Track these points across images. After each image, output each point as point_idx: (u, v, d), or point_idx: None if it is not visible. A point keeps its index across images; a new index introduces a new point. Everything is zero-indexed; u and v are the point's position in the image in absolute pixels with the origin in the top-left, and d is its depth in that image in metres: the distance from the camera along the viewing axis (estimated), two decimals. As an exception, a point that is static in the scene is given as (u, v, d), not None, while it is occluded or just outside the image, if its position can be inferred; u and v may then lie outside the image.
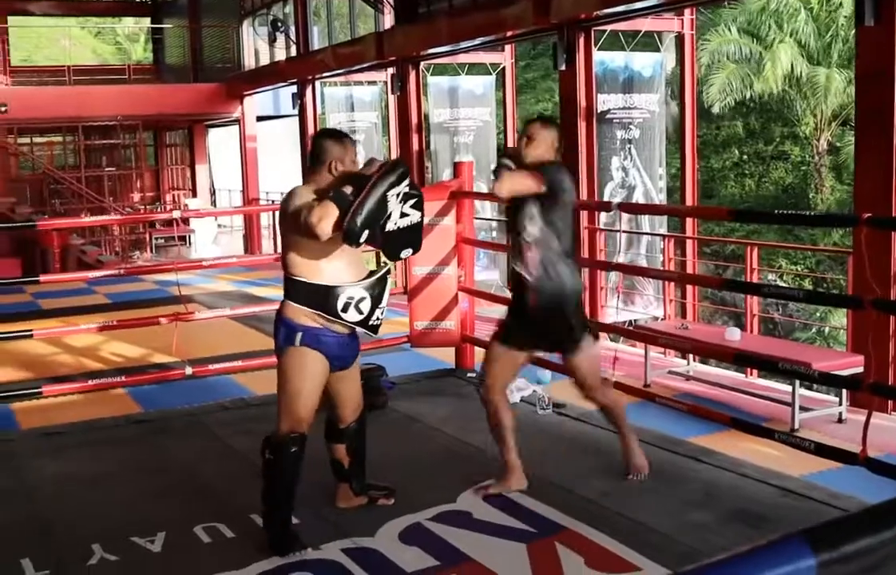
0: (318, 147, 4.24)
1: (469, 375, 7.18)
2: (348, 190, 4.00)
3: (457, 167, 7.06)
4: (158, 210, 24.46)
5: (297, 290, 4.18)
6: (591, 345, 4.75)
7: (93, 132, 22.32)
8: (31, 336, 7.18)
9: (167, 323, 7.16)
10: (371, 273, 4.27)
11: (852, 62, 21.11)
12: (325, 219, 3.92)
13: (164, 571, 4.06)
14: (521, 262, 4.62)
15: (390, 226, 4.19)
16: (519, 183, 4.55)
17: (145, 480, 5.28)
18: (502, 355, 4.82)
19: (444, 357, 7.60)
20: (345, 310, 4.16)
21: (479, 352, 7.27)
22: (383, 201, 4.02)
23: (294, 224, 4.07)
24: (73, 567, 4.15)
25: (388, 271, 4.37)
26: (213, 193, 25.84)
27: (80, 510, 4.83)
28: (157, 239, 22.01)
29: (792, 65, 21.41)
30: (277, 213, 4.34)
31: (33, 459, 5.75)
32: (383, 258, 4.52)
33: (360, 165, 4.28)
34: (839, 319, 16.38)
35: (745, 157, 24.87)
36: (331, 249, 4.10)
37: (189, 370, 6.74)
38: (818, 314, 18.27)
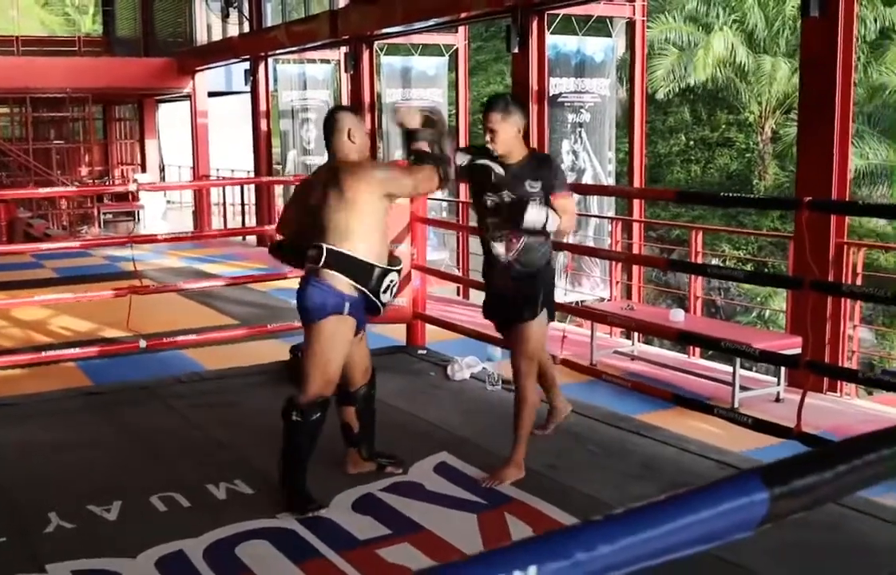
0: (335, 120, 4.47)
1: (419, 351, 7.29)
2: (426, 147, 4.41)
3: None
4: (107, 184, 24.26)
5: (340, 261, 4.27)
6: (544, 321, 4.80)
7: (41, 104, 22.01)
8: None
9: (123, 296, 7.17)
10: (392, 259, 4.47)
11: (797, 53, 21.63)
12: (431, 179, 4.40)
13: (120, 538, 4.11)
14: (506, 244, 4.66)
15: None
16: (569, 216, 4.66)
17: (100, 450, 5.32)
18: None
19: (395, 334, 7.70)
20: (385, 291, 4.38)
21: (430, 329, 7.41)
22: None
23: (392, 191, 4.37)
24: (30, 535, 4.20)
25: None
26: (162, 169, 25.62)
27: (36, 479, 4.87)
28: (105, 214, 21.79)
29: (733, 52, 21.72)
30: (345, 178, 4.32)
31: (-14, 429, 5.76)
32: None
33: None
34: (779, 303, 16.76)
35: (691, 143, 25.22)
36: (379, 228, 4.33)
37: (143, 343, 6.77)
38: (759, 298, 18.65)
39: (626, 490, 4.57)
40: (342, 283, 4.28)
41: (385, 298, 4.40)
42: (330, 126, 4.46)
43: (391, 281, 4.40)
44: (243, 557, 3.90)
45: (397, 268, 4.46)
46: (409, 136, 4.49)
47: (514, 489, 4.53)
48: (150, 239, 11.62)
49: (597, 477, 4.75)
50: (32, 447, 5.39)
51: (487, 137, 4.57)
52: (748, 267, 19.61)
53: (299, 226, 4.52)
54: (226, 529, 4.13)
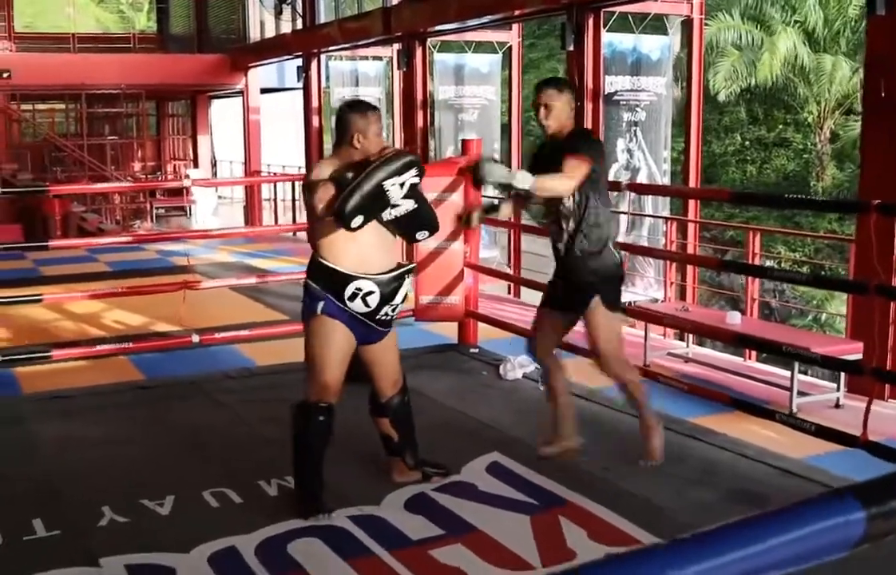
0: (341, 121, 4.28)
1: (471, 350, 7.23)
2: (350, 174, 4.06)
3: (465, 144, 7.10)
4: (160, 179, 24.52)
5: (314, 268, 4.26)
6: (609, 314, 4.71)
7: (95, 100, 22.27)
8: (40, 300, 7.20)
9: (176, 290, 7.20)
10: (396, 267, 4.34)
11: (859, 52, 21.28)
12: (323, 200, 4.06)
13: (174, 533, 4.11)
14: (563, 233, 4.67)
15: (389, 214, 4.22)
16: (569, 178, 4.53)
17: (152, 444, 5.34)
18: (544, 318, 4.97)
19: (447, 332, 7.64)
20: (351, 299, 4.21)
21: (482, 328, 7.35)
22: (380, 189, 4.04)
23: (308, 195, 4.18)
24: (83, 528, 4.21)
25: (410, 271, 4.45)
26: (214, 165, 25.81)
27: (89, 472, 4.89)
28: (157, 208, 22.00)
29: (795, 52, 21.41)
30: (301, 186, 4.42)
31: (40, 421, 5.80)
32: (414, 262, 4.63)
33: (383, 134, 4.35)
34: (836, 306, 16.48)
35: (746, 143, 24.89)
36: (351, 235, 4.14)
37: (196, 338, 6.79)
38: (815, 301, 18.35)
39: (683, 495, 4.48)
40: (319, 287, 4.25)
41: (354, 305, 4.21)
42: (339, 125, 4.29)
43: (357, 289, 4.19)
44: (295, 555, 3.87)
45: (377, 277, 4.24)
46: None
47: (568, 491, 4.45)
48: (204, 235, 11.69)
49: (652, 480, 4.65)
50: (85, 441, 5.41)
51: (542, 113, 4.65)
52: (804, 269, 19.32)
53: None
54: (278, 526, 4.11)
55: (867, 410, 4.38)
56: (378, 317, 4.31)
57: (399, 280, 4.34)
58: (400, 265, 4.37)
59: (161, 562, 3.84)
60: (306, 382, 4.32)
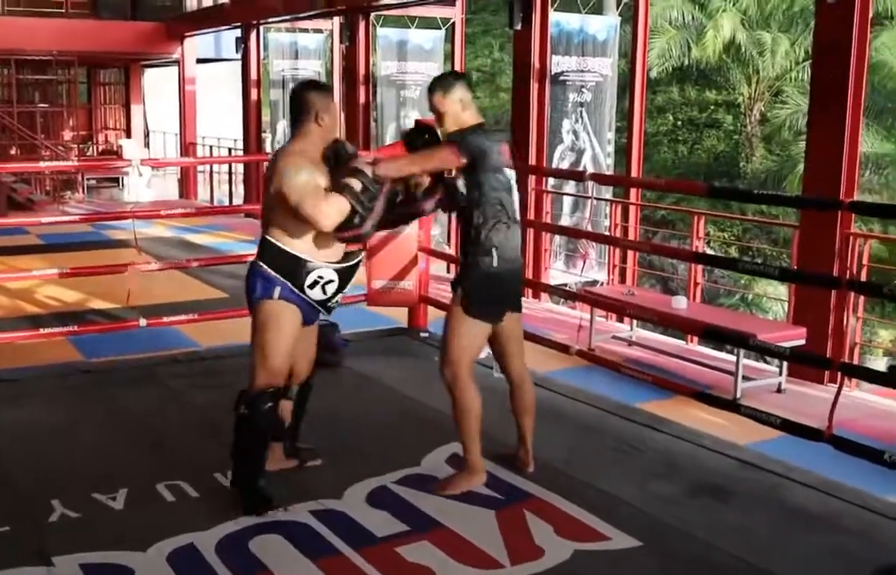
0: (302, 100, 4.19)
1: (422, 334, 7.17)
2: (357, 186, 4.03)
3: (418, 124, 6.98)
4: (89, 151, 23.94)
5: (270, 252, 4.13)
6: (466, 317, 4.33)
7: (25, 66, 21.60)
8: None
9: (123, 271, 7.01)
10: (345, 256, 4.24)
11: (791, 28, 21.61)
12: (333, 216, 3.99)
13: (128, 529, 3.99)
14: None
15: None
16: (418, 162, 4.31)
17: (101, 432, 5.19)
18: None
19: (396, 315, 7.57)
20: (312, 287, 4.14)
21: (433, 312, 7.29)
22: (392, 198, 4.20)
23: (289, 197, 4.00)
24: (33, 524, 4.06)
25: (361, 260, 4.36)
26: (147, 135, 25.27)
27: (36, 463, 4.73)
28: (89, 179, 21.46)
29: (734, 33, 21.68)
30: (265, 168, 4.26)
31: (-20, 406, 5.61)
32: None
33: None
34: (762, 287, 16.76)
35: (679, 123, 25.11)
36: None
37: (143, 322, 6.60)
38: (742, 281, 18.61)
39: (646, 488, 4.48)
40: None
41: (313, 294, 4.15)
42: (297, 105, 4.20)
43: (319, 277, 4.13)
44: (258, 553, 3.79)
45: (336, 266, 4.18)
46: (347, 168, 4.11)
47: (532, 485, 4.43)
48: (154, 214, 11.48)
49: (615, 473, 4.65)
50: (31, 428, 5.24)
51: (435, 120, 4.41)
52: (732, 249, 19.56)
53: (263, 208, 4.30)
54: (237, 522, 4.02)
55: (834, 403, 4.42)
56: (330, 304, 4.26)
57: (355, 268, 4.31)
58: (349, 252, 4.28)
59: (118, 561, 3.72)
60: (253, 367, 4.18)
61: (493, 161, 4.25)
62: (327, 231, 4.03)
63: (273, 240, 4.13)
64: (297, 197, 3.98)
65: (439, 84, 4.39)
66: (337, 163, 4.18)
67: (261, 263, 4.16)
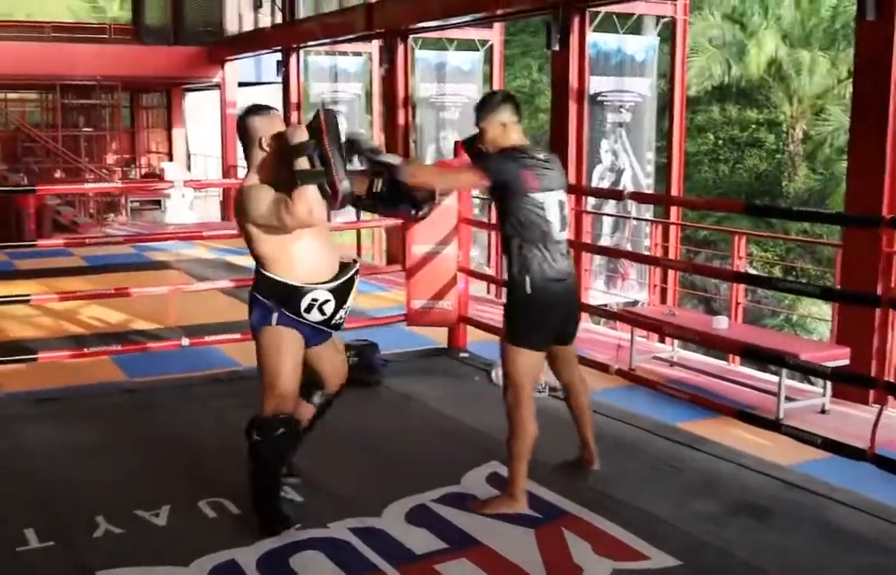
0: (244, 128, 4.14)
1: (462, 354, 7.19)
2: (305, 164, 3.95)
3: (457, 146, 7.02)
4: (132, 173, 24.27)
5: (265, 282, 4.13)
6: (514, 347, 4.35)
7: (69, 91, 21.97)
8: (28, 301, 7.07)
9: (166, 295, 7.09)
10: (340, 270, 4.22)
11: (833, 46, 21.45)
12: (301, 203, 3.90)
13: (171, 545, 4.03)
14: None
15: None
16: (450, 178, 4.39)
17: (143, 450, 5.24)
18: None
19: (436, 336, 7.59)
20: (308, 311, 4.12)
21: (472, 332, 7.30)
22: (341, 154, 4.03)
23: (263, 226, 4.02)
24: (78, 539, 4.12)
25: (357, 271, 4.30)
26: (188, 158, 25.59)
27: (81, 480, 4.79)
28: (132, 202, 21.76)
29: (776, 50, 21.57)
30: (234, 207, 4.22)
31: (26, 424, 5.70)
32: (353, 255, 4.48)
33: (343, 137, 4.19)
34: (806, 307, 16.59)
35: (720, 142, 24.97)
36: (296, 243, 4.05)
37: (186, 341, 6.68)
38: (786, 301, 18.44)
39: (685, 506, 4.45)
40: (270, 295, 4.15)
41: (311, 317, 4.12)
42: (240, 136, 4.15)
43: (314, 300, 4.10)
44: (298, 570, 3.81)
45: (329, 285, 4.14)
46: (288, 156, 4.02)
47: (571, 503, 4.42)
48: (196, 235, 11.58)
49: (653, 492, 4.63)
50: (75, 447, 5.32)
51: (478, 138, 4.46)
52: (776, 269, 19.39)
53: None
54: (278, 539, 4.04)
55: (876, 422, 4.37)
56: (334, 322, 4.24)
57: (351, 283, 4.26)
58: (344, 264, 4.26)
59: (160, 576, 3.77)
60: (261, 395, 4.18)
61: (516, 186, 4.24)
62: (314, 220, 3.98)
63: (265, 272, 4.13)
64: (266, 221, 3.98)
65: (484, 104, 4.45)
66: (353, 153, 4.20)
67: (257, 294, 4.17)
